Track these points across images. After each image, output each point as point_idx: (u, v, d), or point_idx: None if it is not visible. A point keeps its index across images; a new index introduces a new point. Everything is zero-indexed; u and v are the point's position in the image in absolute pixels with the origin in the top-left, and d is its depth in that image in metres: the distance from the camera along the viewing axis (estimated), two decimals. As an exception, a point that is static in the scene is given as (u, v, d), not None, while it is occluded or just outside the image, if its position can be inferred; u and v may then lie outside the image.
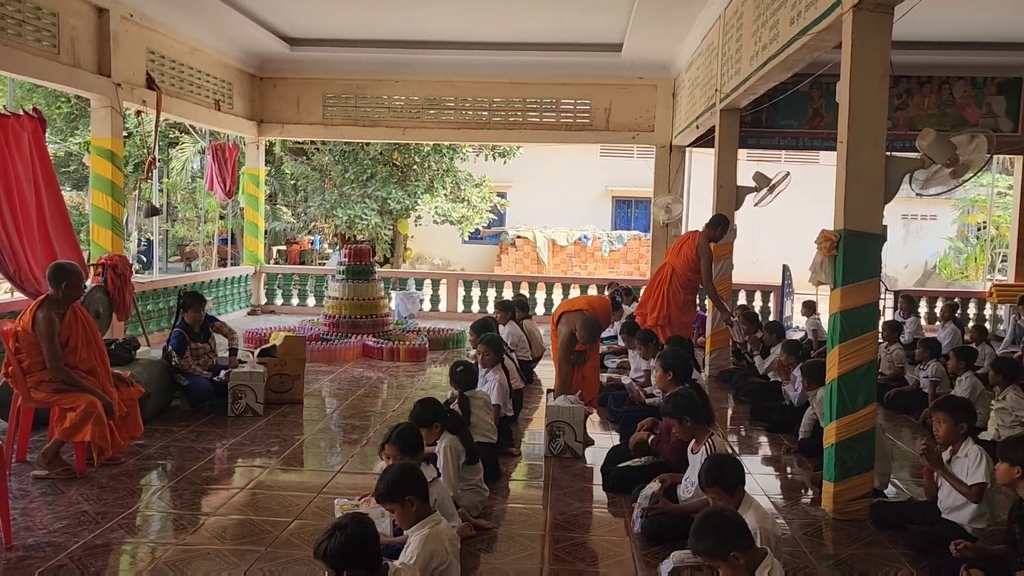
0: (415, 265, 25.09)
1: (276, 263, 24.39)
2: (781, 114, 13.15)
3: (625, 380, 7.26)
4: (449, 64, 13.23)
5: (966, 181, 4.94)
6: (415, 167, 20.46)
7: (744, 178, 9.46)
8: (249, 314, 13.88)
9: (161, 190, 23.34)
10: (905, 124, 13.11)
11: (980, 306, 13.50)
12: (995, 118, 12.99)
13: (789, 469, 6.05)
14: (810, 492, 5.44)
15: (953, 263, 23.97)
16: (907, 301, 11.54)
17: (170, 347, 7.15)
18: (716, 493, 3.70)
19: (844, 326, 4.86)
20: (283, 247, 25.11)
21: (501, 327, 8.63)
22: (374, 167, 20.37)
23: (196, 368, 7.15)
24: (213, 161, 12.66)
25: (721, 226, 8.48)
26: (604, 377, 8.72)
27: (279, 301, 14.45)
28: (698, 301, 9.98)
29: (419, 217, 22.20)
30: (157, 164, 12.21)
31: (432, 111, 13.76)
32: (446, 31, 12.08)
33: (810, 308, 11.01)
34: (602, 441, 6.49)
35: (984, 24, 10.98)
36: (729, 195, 9.19)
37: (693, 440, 4.64)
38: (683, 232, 13.84)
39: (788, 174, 9.26)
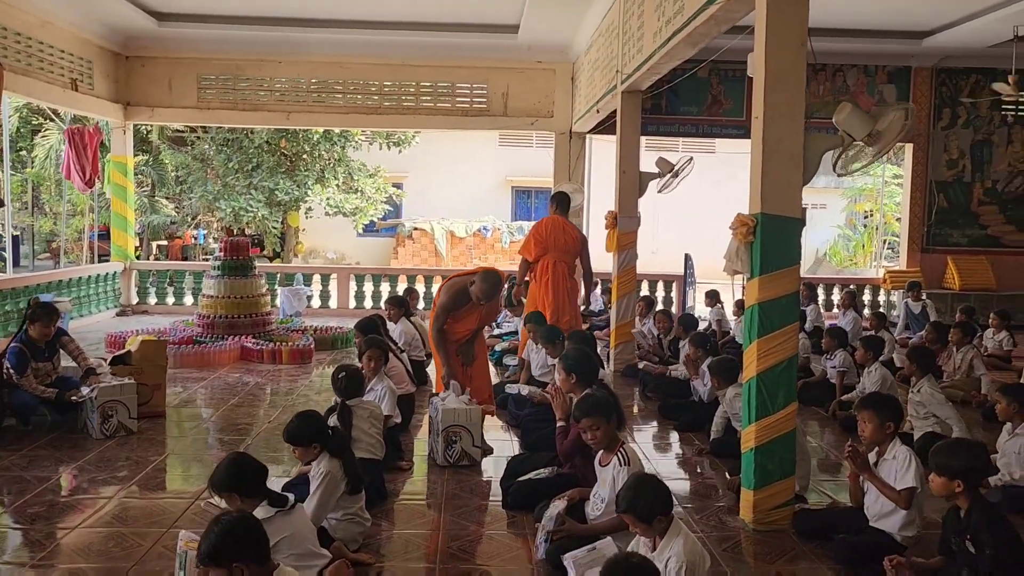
0: (308, 259, 23.97)
1: (156, 259, 22.87)
2: (681, 100, 12.93)
3: (523, 390, 6.71)
4: (336, 44, 12.39)
5: (885, 151, 4.56)
6: (305, 156, 19.41)
7: (647, 164, 9.07)
8: (118, 315, 12.68)
9: (26, 180, 21.50)
10: (801, 112, 13.07)
11: (875, 292, 13.65)
12: (887, 106, 13.09)
13: (701, 471, 5.63)
14: (724, 497, 5.02)
15: (842, 251, 24.60)
16: (807, 288, 11.45)
17: (7, 366, 6.14)
18: (632, 520, 3.17)
19: (763, 319, 4.44)
20: (164, 242, 23.56)
21: (392, 324, 7.96)
22: (260, 156, 19.21)
23: (38, 388, 6.17)
24: (70, 147, 11.44)
25: (565, 204, 8.53)
26: (498, 379, 8.22)
27: (152, 300, 13.29)
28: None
29: (310, 209, 21.14)
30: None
31: (319, 95, 12.89)
32: (333, 8, 11.26)
33: (714, 298, 10.77)
34: (502, 449, 5.93)
35: (876, 12, 10.97)
36: (632, 181, 8.78)
37: (595, 448, 4.11)
38: (581, 221, 13.52)
39: (692, 159, 8.93)
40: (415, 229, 23.26)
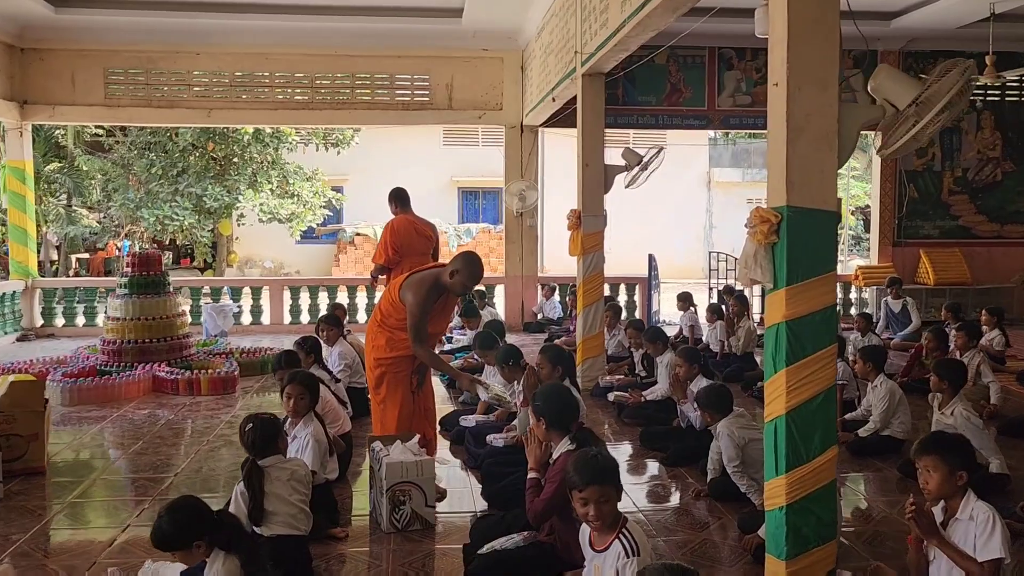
0: (243, 269, 22.53)
1: (77, 274, 21.24)
2: (638, 89, 12.03)
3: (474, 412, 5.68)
4: (262, 32, 11.20)
5: (941, 117, 3.57)
6: (235, 159, 18.05)
7: (609, 157, 8.09)
8: (19, 340, 11.25)
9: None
10: (765, 100, 12.28)
11: (846, 290, 12.94)
12: (853, 93, 12.38)
13: (702, 522, 4.64)
14: (740, 563, 4.05)
15: (798, 246, 24.08)
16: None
17: None
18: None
19: (792, 341, 3.46)
20: (86, 255, 21.91)
21: (328, 348, 6.85)
22: (185, 159, 17.80)
23: None
24: (-49, 150, 10.01)
25: (405, 200, 8.33)
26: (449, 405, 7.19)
27: (60, 322, 11.87)
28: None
29: (242, 215, 19.74)
30: None
31: (243, 89, 11.65)
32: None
33: (686, 301, 9.86)
34: (460, 499, 4.88)
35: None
36: (596, 175, 7.79)
37: (593, 528, 3.07)
38: (535, 221, 12.54)
39: (662, 149, 8.00)
40: (357, 234, 22.03)
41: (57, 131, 19.70)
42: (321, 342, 6.54)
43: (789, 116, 3.46)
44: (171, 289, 8.59)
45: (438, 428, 6.48)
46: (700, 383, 5.84)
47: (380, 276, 8.27)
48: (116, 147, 18.74)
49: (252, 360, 8.74)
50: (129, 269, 8.39)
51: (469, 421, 6.13)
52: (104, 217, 21.34)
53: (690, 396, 5.89)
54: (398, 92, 11.94)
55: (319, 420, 4.56)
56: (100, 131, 19.04)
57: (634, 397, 6.90)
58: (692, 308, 9.92)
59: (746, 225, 3.59)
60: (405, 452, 4.45)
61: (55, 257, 23.01)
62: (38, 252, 23.40)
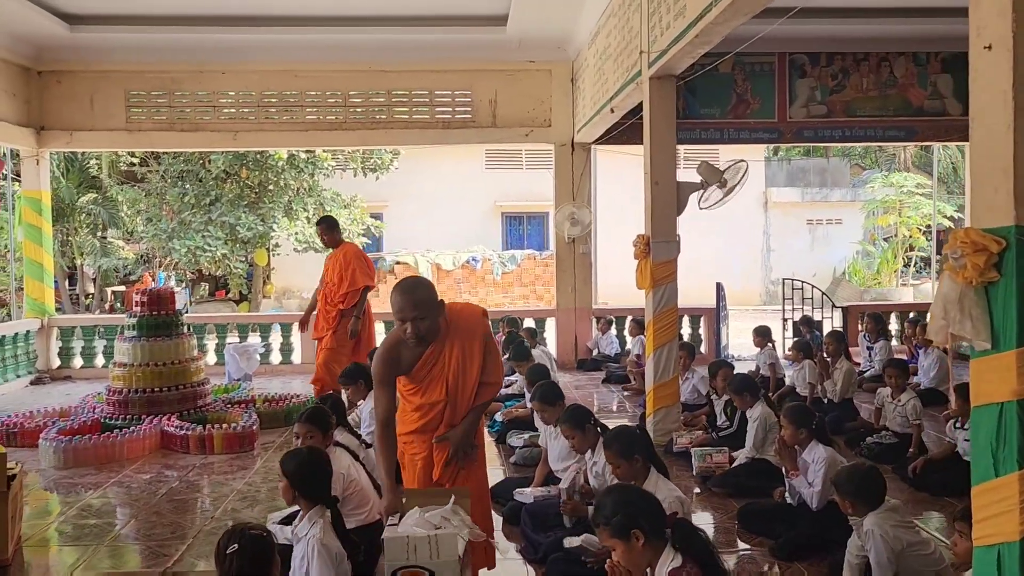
0: (280, 300, 21.76)
1: (112, 307, 20.65)
2: (700, 101, 10.89)
3: (563, 484, 4.56)
4: (291, 48, 10.36)
5: None
6: (269, 186, 17.29)
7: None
8: (33, 383, 10.43)
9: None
10: (842, 109, 11.09)
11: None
12: (942, 99, 11.13)
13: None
14: None
15: (864, 268, 22.60)
16: (874, 321, 9.37)
17: None
18: None
19: (1030, 431, 2.30)
20: (121, 288, 21.33)
21: (361, 404, 5.80)
22: (219, 188, 17.09)
23: None
24: (-42, 181, 9.27)
25: (335, 226, 8.18)
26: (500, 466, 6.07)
27: (78, 363, 11.02)
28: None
29: (277, 245, 18.97)
30: None
31: (271, 109, 10.79)
32: (285, 3, 9.22)
33: (764, 336, 8.63)
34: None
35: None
36: (668, 195, 6.67)
37: None
38: (589, 248, 11.45)
39: (746, 164, 6.85)
40: (397, 263, 21.09)
41: (92, 161, 19.23)
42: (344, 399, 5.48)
43: (1018, 91, 2.31)
44: (185, 330, 7.63)
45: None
46: (815, 451, 4.66)
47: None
48: (149, 176, 18.14)
49: (275, 410, 7.73)
50: (139, 308, 7.46)
51: (526, 496, 5.00)
52: (141, 249, 20.81)
53: (802, 467, 4.71)
54: (438, 109, 10.99)
55: (332, 511, 3.46)
56: (134, 161, 18.49)
57: (720, 464, 5.70)
58: (771, 344, 8.69)
59: (947, 254, 2.44)
60: (423, 522, 3.29)
61: (91, 290, 22.52)
62: (74, 285, 23.07)
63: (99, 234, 20.50)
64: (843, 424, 6.91)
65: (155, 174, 17.72)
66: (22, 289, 11.31)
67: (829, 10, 9.74)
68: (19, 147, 10.50)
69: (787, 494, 4.83)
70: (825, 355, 7.51)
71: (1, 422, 7.24)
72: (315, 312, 8.06)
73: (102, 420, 7.19)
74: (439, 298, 3.52)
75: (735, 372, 6.10)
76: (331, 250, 8.03)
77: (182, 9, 9.43)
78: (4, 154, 10.88)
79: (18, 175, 10.98)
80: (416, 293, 3.42)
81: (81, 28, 9.64)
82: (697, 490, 5.65)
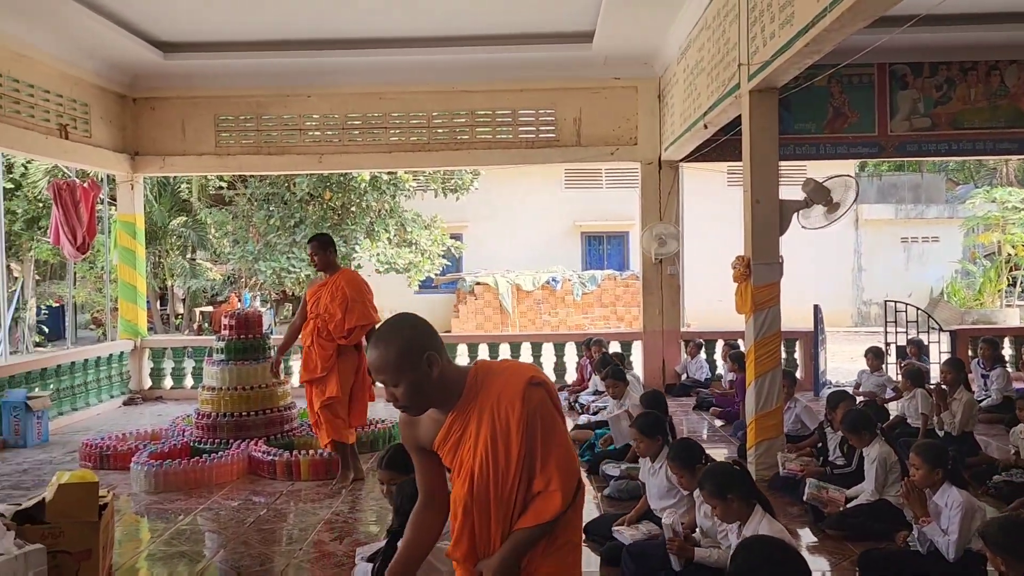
0: (361, 321, 21.92)
1: (200, 328, 21.16)
2: (794, 116, 10.45)
3: (666, 519, 4.25)
4: (375, 70, 10.37)
5: None
6: (352, 208, 17.43)
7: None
8: (125, 404, 10.62)
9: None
10: (948, 122, 10.47)
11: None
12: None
13: None
14: None
15: (963, 289, 21.44)
16: (991, 346, 8.72)
17: None
18: None
19: None
20: (209, 308, 21.85)
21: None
22: (303, 210, 17.31)
23: None
24: (57, 206, 9.52)
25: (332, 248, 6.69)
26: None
27: (168, 383, 11.20)
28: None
29: (359, 266, 19.10)
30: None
31: (355, 132, 10.82)
32: (369, 25, 9.27)
33: (879, 358, 8.08)
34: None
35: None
36: (770, 214, 6.31)
37: None
38: (677, 268, 11.07)
39: (853, 180, 6.43)
40: (477, 284, 21.04)
41: (182, 185, 19.80)
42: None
43: None
44: (272, 354, 7.60)
45: (583, 537, 5.13)
46: (948, 493, 4.24)
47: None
48: (237, 199, 18.54)
49: (362, 435, 7.60)
50: (226, 331, 7.47)
51: (624, 537, 4.70)
52: (226, 271, 21.31)
53: (933, 512, 4.29)
54: (521, 129, 10.83)
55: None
56: (222, 184, 18.95)
57: (833, 501, 5.28)
58: (883, 367, 8.15)
59: None
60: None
61: (180, 310, 23.16)
62: (165, 306, 23.78)
63: (188, 256, 21.08)
64: (964, 460, 6.37)
65: (242, 197, 18.09)
66: (116, 310, 11.59)
67: (935, 18, 9.19)
68: (115, 172, 10.78)
69: (916, 541, 4.41)
70: (943, 384, 6.97)
71: (95, 444, 7.32)
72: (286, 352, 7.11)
73: (191, 444, 7.19)
74: (434, 346, 2.38)
75: (855, 408, 5.63)
76: (321, 275, 6.77)
77: (270, 34, 9.53)
78: (101, 179, 11.19)
79: (114, 199, 11.27)
80: (386, 346, 2.35)
81: (174, 56, 9.85)
82: (810, 534, 5.24)
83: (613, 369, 7.39)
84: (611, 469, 6.20)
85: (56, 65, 9.15)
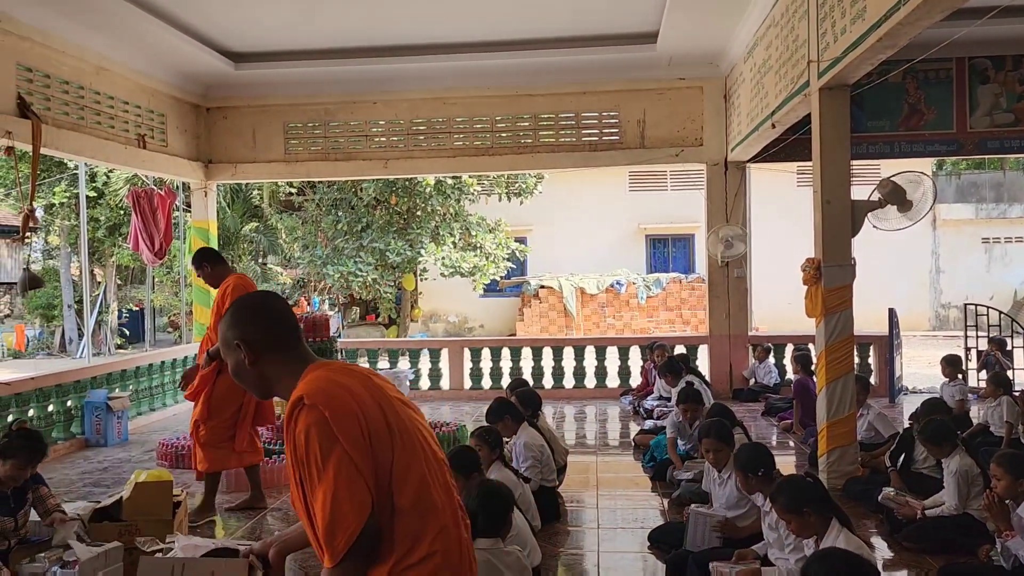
0: (427, 324, 22.17)
1: (270, 330, 21.63)
2: (867, 114, 10.13)
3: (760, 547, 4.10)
4: (438, 75, 10.45)
5: None
6: (417, 212, 17.65)
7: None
8: (199, 405, 10.92)
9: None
10: (1034, 116, 10.02)
11: None
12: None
13: None
14: None
15: (1050, 291, 20.53)
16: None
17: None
18: None
19: None
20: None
21: (512, 439, 5.60)
22: (370, 214, 17.62)
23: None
24: (135, 213, 9.86)
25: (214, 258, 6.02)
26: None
27: (240, 385, 11.49)
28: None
29: (424, 270, 19.33)
30: (38, 221, 9.45)
31: (420, 137, 10.93)
32: (432, 30, 9.34)
33: (955, 367, 7.80)
34: None
35: None
36: (841, 214, 6.13)
37: None
38: (744, 271, 10.87)
39: (929, 179, 6.20)
40: (541, 287, 21.04)
41: (254, 192, 20.33)
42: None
43: None
44: (339, 356, 7.72)
45: (646, 543, 5.07)
46: (1034, 506, 4.04)
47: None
48: (306, 205, 18.95)
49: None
50: (296, 335, 7.59)
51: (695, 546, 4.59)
52: (297, 274, 21.78)
53: (1017, 525, 4.09)
54: (584, 132, 10.78)
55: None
56: (292, 191, 19.39)
57: (908, 509, 5.09)
58: (960, 376, 7.85)
59: None
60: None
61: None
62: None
63: (260, 260, 21.60)
64: (1051, 471, 6.07)
65: (311, 203, 18.49)
66: (192, 313, 11.93)
67: (1016, 8, 8.81)
68: (189, 180, 11.12)
69: (999, 555, 4.21)
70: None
71: (171, 444, 7.55)
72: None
73: (264, 445, 7.33)
74: (248, 334, 2.19)
75: (935, 418, 5.40)
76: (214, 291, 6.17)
77: (335, 43, 9.69)
78: (177, 187, 11.55)
79: (189, 206, 11.64)
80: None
81: (245, 66, 10.10)
82: (885, 546, 5.06)
83: (692, 392, 6.63)
84: (681, 473, 6.10)
85: (133, 77, 9.48)
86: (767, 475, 4.17)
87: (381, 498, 2.00)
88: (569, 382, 11.11)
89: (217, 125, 11.12)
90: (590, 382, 11.07)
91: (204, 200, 11.22)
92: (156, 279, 21.21)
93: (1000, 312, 10.93)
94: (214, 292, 6.27)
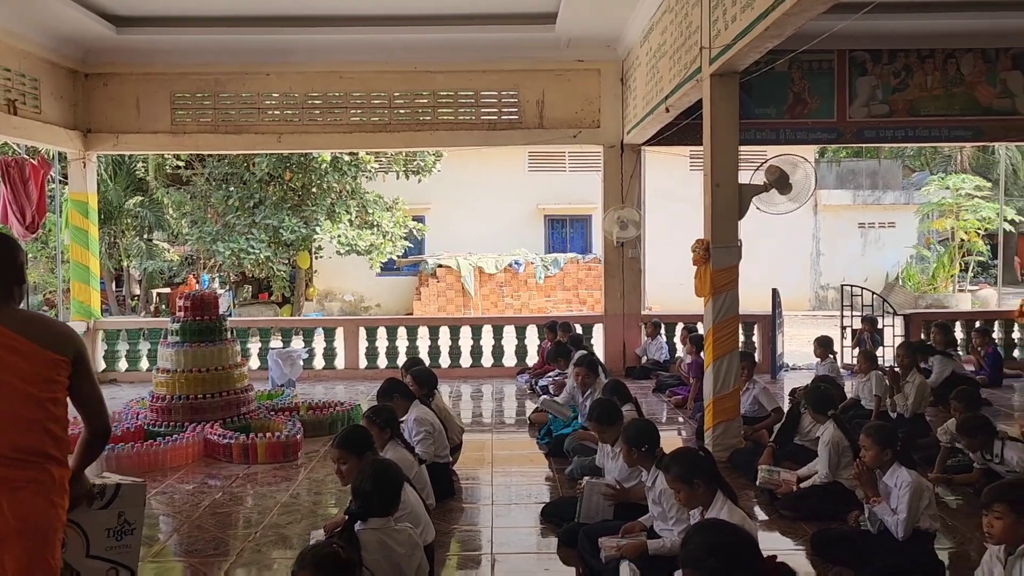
0: (323, 303, 21.75)
1: (157, 309, 20.79)
2: (755, 101, 10.52)
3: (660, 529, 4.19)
4: (335, 48, 10.22)
5: None
6: (313, 189, 17.22)
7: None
8: (78, 387, 10.39)
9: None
10: (905, 109, 10.61)
11: (1007, 328, 11.01)
12: (1012, 98, 10.59)
13: None
14: None
15: (918, 274, 21.89)
16: (942, 331, 8.90)
17: None
18: None
19: None
20: (166, 290, 21.47)
21: (404, 418, 5.57)
22: (263, 190, 17.07)
23: None
24: (5, 183, 9.25)
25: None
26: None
27: (123, 367, 11.00)
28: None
29: (320, 248, 18.92)
30: None
31: (315, 111, 10.66)
32: (329, 3, 9.11)
33: (826, 347, 8.25)
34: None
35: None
36: (730, 198, 6.35)
37: None
38: (639, 252, 11.13)
39: (810, 165, 6.49)
40: (439, 266, 20.95)
41: (139, 164, 19.38)
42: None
43: None
44: (228, 335, 7.49)
45: (539, 518, 5.16)
46: (898, 474, 4.33)
47: None
48: (194, 179, 18.20)
49: (319, 418, 7.55)
50: (182, 313, 7.33)
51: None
52: (185, 251, 20.95)
53: (883, 492, 4.37)
54: (484, 110, 10.76)
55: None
56: (180, 163, 18.58)
57: (786, 483, 5.36)
58: (832, 355, 8.30)
59: None
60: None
61: (137, 292, 22.74)
62: (121, 287, 23.31)
63: (145, 236, 20.68)
64: (915, 441, 6.51)
65: (200, 177, 17.76)
66: (69, 291, 11.32)
67: (893, 5, 9.30)
68: (66, 150, 10.50)
69: (867, 520, 4.49)
70: (896, 367, 7.10)
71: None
72: None
73: (145, 427, 7.07)
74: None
75: (820, 385, 5.68)
76: None
77: (227, 10, 9.33)
78: (52, 157, 10.89)
79: (65, 178, 10.99)
80: None
81: (128, 30, 9.59)
82: (764, 516, 5.31)
83: (588, 359, 7.13)
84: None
85: (2, 37, 8.86)
86: (651, 451, 4.30)
87: None
88: (466, 361, 11.13)
89: (97, 92, 10.53)
90: (487, 361, 11.12)
91: (83, 171, 10.62)
92: (29, 255, 19.95)
93: (873, 293, 11.58)
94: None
